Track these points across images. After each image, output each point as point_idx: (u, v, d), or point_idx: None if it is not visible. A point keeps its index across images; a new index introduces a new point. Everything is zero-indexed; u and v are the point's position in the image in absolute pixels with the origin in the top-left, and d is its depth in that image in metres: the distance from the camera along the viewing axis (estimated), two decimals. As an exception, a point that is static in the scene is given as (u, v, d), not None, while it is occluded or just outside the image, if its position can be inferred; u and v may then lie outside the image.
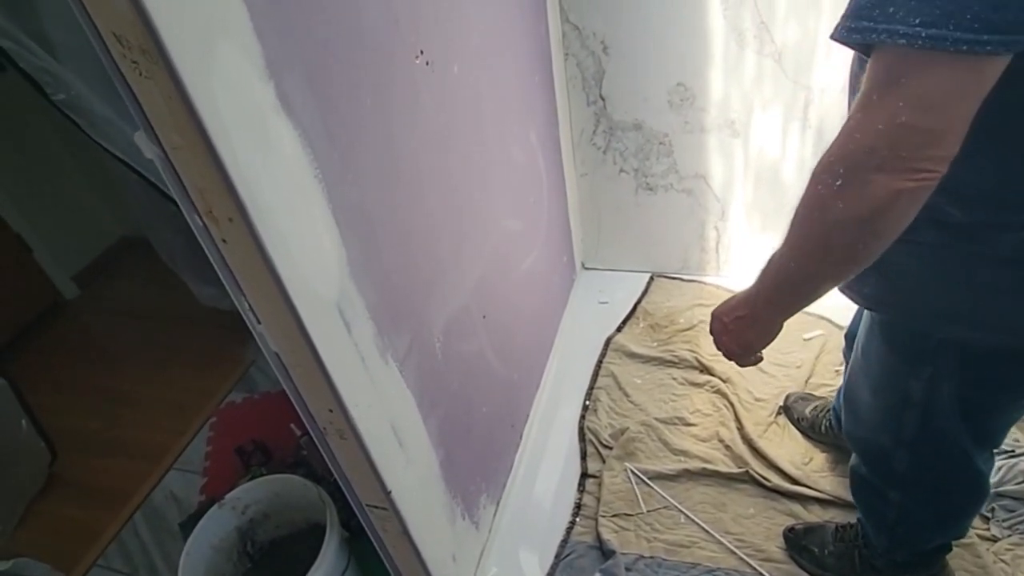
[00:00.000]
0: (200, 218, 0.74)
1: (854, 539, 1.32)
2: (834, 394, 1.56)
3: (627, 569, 1.43)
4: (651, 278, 2.20)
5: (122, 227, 2.98)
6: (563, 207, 1.99)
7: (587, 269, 2.29)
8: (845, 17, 0.65)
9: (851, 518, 1.37)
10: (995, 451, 1.10)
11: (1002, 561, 1.34)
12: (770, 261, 0.83)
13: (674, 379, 1.85)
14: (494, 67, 1.37)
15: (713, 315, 0.98)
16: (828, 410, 1.58)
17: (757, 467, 1.58)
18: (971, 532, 1.32)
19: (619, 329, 2.05)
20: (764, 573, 1.40)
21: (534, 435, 1.78)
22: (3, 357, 2.47)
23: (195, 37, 0.62)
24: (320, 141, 0.81)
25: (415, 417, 1.13)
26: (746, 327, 0.91)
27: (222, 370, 2.28)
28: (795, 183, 1.86)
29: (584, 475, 1.66)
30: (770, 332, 0.90)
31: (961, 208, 0.78)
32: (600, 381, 1.89)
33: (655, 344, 1.97)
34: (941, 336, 0.90)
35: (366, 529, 1.16)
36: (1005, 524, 1.39)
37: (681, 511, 1.54)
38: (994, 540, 1.37)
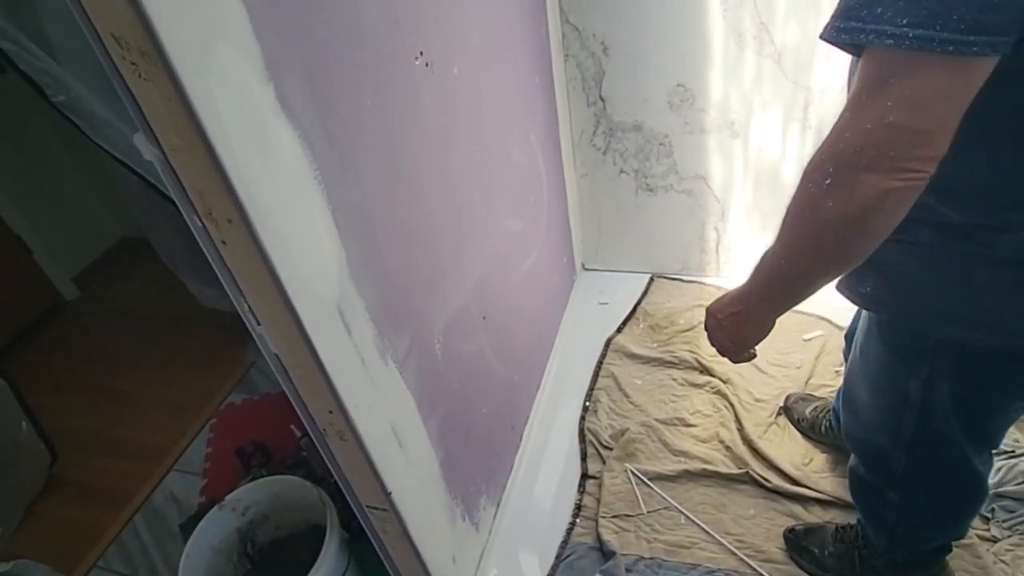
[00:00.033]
0: (200, 219, 0.74)
1: (854, 540, 1.32)
2: (834, 395, 1.56)
3: (627, 570, 1.43)
4: (651, 279, 2.20)
5: (122, 228, 2.98)
6: (563, 208, 1.99)
7: (587, 270, 2.29)
8: (834, 17, 0.65)
9: (851, 519, 1.37)
10: (994, 452, 1.10)
11: (1002, 562, 1.34)
12: (763, 258, 0.83)
13: (674, 380, 1.85)
14: (494, 68, 1.37)
15: (707, 311, 0.98)
16: (828, 411, 1.58)
17: (757, 468, 1.57)
18: (971, 532, 1.32)
19: (619, 330, 2.05)
20: (764, 574, 1.40)
21: (534, 436, 1.78)
22: (3, 358, 2.48)
23: (194, 39, 0.62)
24: (320, 142, 0.81)
25: (415, 418, 1.13)
26: (739, 323, 0.92)
27: (222, 371, 2.28)
28: (795, 184, 1.85)
29: (584, 476, 1.66)
30: (763, 329, 0.91)
31: (954, 208, 0.78)
32: (600, 382, 1.89)
33: (655, 345, 1.97)
34: (939, 336, 0.90)
35: (366, 530, 1.16)
36: (1005, 525, 1.39)
37: (681, 512, 1.54)
38: (994, 540, 1.37)
